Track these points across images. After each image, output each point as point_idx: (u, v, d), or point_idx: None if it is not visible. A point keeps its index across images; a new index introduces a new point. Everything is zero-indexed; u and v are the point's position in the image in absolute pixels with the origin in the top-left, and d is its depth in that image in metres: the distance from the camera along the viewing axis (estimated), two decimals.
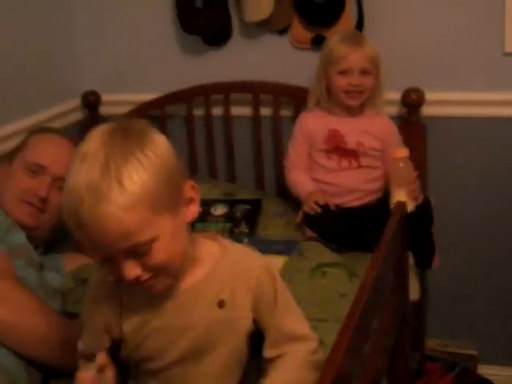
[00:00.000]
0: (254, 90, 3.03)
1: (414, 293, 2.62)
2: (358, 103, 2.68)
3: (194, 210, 1.43)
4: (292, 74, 2.94)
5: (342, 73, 2.65)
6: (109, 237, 1.29)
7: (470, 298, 3.03)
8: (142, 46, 3.24)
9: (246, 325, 1.51)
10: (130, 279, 1.35)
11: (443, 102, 2.85)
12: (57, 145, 2.39)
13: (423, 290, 2.90)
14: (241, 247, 1.60)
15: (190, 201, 1.43)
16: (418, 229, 2.46)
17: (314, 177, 2.74)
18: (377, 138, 2.68)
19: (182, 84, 3.12)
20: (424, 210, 2.54)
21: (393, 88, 2.80)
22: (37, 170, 2.29)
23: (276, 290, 1.53)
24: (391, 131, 2.72)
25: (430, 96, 2.81)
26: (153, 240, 1.33)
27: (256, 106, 3.04)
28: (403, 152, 2.51)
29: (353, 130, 2.68)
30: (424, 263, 2.64)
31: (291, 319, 1.56)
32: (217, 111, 3.13)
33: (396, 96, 2.82)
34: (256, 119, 3.07)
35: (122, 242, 1.30)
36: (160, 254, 1.35)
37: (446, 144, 2.89)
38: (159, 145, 1.38)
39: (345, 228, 2.58)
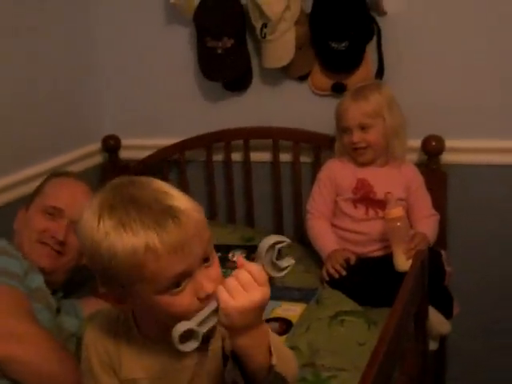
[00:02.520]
0: (274, 136, 3.04)
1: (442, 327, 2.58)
2: (367, 159, 2.68)
3: None
4: (312, 120, 2.95)
5: (344, 131, 2.69)
6: (201, 243, 1.33)
7: (491, 347, 2.98)
8: (162, 91, 3.26)
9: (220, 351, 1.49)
10: (211, 291, 1.32)
11: (464, 150, 2.83)
12: (73, 188, 2.40)
13: (444, 339, 2.86)
14: None
15: None
16: (432, 284, 2.43)
17: (339, 225, 2.72)
18: (403, 187, 2.67)
19: (202, 129, 3.13)
20: (433, 265, 2.48)
21: (413, 135, 2.79)
22: (54, 213, 2.30)
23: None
24: (415, 178, 2.71)
25: (450, 143, 2.80)
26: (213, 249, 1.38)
27: (275, 151, 3.05)
28: (399, 211, 2.51)
29: (381, 180, 2.67)
30: (443, 314, 2.60)
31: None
32: (236, 156, 3.14)
33: (416, 143, 2.81)
34: (275, 165, 3.07)
35: (207, 245, 1.35)
36: (217, 265, 1.39)
37: (467, 191, 2.87)
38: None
39: (366, 284, 2.54)
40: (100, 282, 1.40)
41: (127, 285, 1.34)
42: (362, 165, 2.71)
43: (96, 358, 1.49)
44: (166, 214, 1.30)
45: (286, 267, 1.37)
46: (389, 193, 2.60)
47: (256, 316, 1.30)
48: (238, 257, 1.39)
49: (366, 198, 2.67)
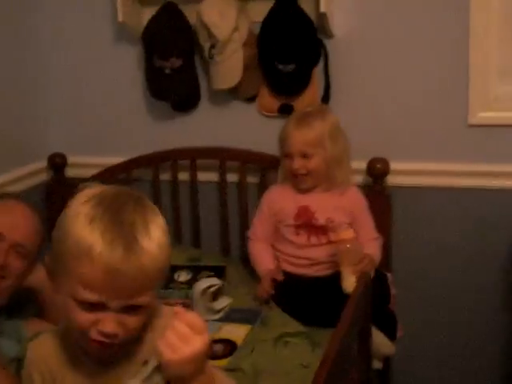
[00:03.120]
0: (221, 157, 3.05)
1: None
2: (306, 186, 2.68)
3: None
4: (259, 141, 2.96)
5: (286, 156, 2.69)
6: (132, 289, 1.32)
7: (435, 366, 3.03)
8: (110, 110, 3.25)
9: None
10: (110, 332, 1.33)
11: (408, 172, 2.88)
12: (14, 211, 2.35)
13: (388, 359, 2.88)
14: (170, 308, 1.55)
15: None
16: (377, 307, 2.44)
17: (282, 250, 2.73)
18: (347, 212, 2.68)
19: (149, 148, 3.13)
20: (379, 287, 2.53)
21: (358, 157, 2.83)
22: None
23: None
24: (359, 203, 2.71)
25: (395, 166, 2.84)
26: (146, 306, 1.36)
27: (223, 172, 3.05)
28: (350, 233, 2.53)
29: (323, 206, 2.67)
30: (387, 336, 2.62)
31: None
32: (183, 176, 3.14)
33: (361, 165, 2.84)
34: (222, 185, 3.07)
35: (137, 297, 1.33)
36: (140, 321, 1.38)
37: (411, 213, 2.91)
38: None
39: (311, 304, 2.55)
40: (50, 245, 1.41)
41: (61, 268, 1.35)
42: (304, 191, 2.72)
43: (39, 377, 1.47)
44: (125, 240, 1.30)
45: (222, 308, 1.38)
46: (329, 219, 2.62)
47: (200, 363, 1.30)
48: (176, 307, 1.38)
49: (307, 224, 2.67)
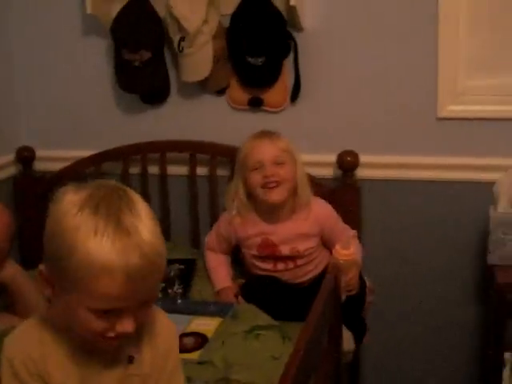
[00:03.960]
0: (191, 150, 3.04)
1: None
2: (278, 198, 2.60)
3: None
4: (229, 134, 2.96)
5: (256, 168, 2.61)
6: (148, 284, 1.34)
7: (403, 364, 3.06)
8: (79, 103, 3.22)
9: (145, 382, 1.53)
10: (130, 331, 1.36)
11: (378, 165, 2.90)
12: None
13: (358, 351, 2.89)
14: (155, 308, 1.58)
15: None
16: (349, 312, 2.46)
17: (250, 271, 2.75)
18: (313, 235, 2.66)
19: (118, 142, 3.11)
20: (358, 297, 2.53)
21: (328, 150, 2.84)
22: None
23: (176, 357, 1.59)
24: (327, 216, 2.69)
25: (364, 159, 2.85)
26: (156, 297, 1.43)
27: (193, 165, 3.05)
28: (347, 254, 2.32)
29: (286, 236, 2.64)
30: (355, 339, 2.63)
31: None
32: (153, 170, 3.12)
33: (331, 158, 2.85)
34: (192, 178, 3.07)
35: (153, 291, 1.39)
36: (149, 312, 1.43)
37: (380, 206, 2.93)
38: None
39: (280, 297, 2.57)
40: (45, 257, 1.38)
41: (68, 283, 1.33)
42: (270, 219, 2.67)
43: (24, 370, 1.42)
44: (137, 247, 1.30)
45: None
46: (294, 248, 2.63)
47: None
48: None
49: (272, 256, 2.67)
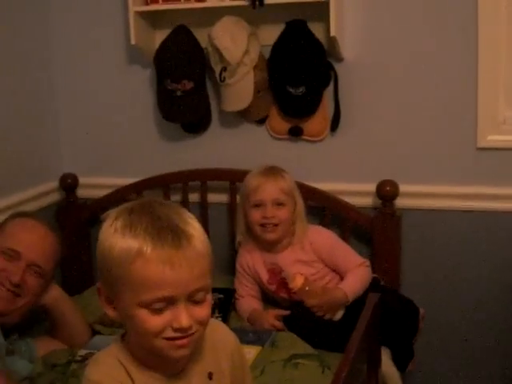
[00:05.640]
0: (231, 178, 3.06)
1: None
2: (275, 237, 2.69)
3: None
4: (269, 163, 2.93)
5: (257, 206, 2.68)
6: (195, 270, 1.37)
7: None
8: (121, 131, 3.28)
9: None
10: (185, 326, 1.36)
11: (417, 195, 2.89)
12: (33, 231, 2.39)
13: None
14: (210, 319, 1.58)
15: None
16: (402, 338, 2.52)
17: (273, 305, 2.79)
18: (312, 261, 2.71)
19: (160, 170, 3.15)
20: (409, 321, 2.59)
21: (368, 180, 2.85)
22: (12, 255, 2.30)
23: (244, 355, 1.66)
24: (323, 244, 2.73)
25: (404, 188, 2.85)
26: (208, 290, 1.42)
27: (232, 193, 3.07)
28: (299, 280, 2.60)
29: (287, 263, 2.70)
30: (399, 365, 2.63)
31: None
32: (194, 197, 3.15)
33: (371, 188, 2.86)
34: (232, 207, 3.08)
35: (199, 280, 1.38)
36: (207, 308, 1.42)
37: (420, 235, 2.92)
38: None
39: (320, 327, 2.57)
40: (99, 273, 1.44)
41: (115, 286, 1.38)
42: (269, 249, 2.74)
43: None
44: (170, 230, 1.36)
45: None
46: (299, 273, 2.65)
47: None
48: None
49: (283, 286, 2.71)
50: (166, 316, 1.37)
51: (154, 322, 1.36)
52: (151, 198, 1.49)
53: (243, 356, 1.65)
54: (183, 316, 1.36)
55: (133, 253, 1.34)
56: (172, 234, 1.36)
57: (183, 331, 1.37)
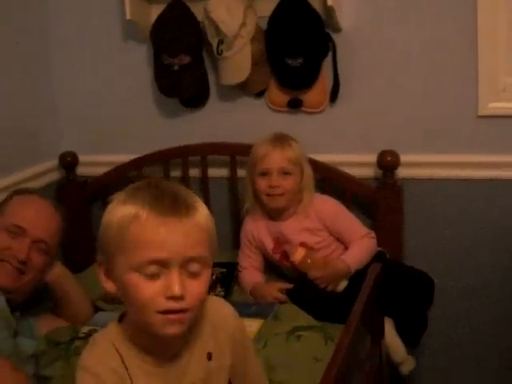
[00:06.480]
0: (231, 152, 3.05)
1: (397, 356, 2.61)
2: (280, 206, 2.70)
3: None
4: (268, 135, 2.95)
5: (263, 174, 2.68)
6: (191, 238, 1.36)
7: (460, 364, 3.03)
8: (119, 108, 3.26)
9: (229, 372, 1.56)
10: (177, 294, 1.34)
11: (418, 164, 2.87)
12: (38, 207, 2.38)
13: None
14: (210, 297, 1.59)
15: None
16: (416, 310, 2.53)
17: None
18: (318, 230, 2.70)
19: (159, 145, 3.13)
20: (425, 292, 2.60)
21: (368, 150, 2.83)
22: (17, 231, 2.28)
23: (245, 332, 1.64)
24: (328, 213, 2.72)
25: (405, 158, 2.83)
26: (207, 264, 1.41)
27: (233, 167, 3.06)
28: (301, 252, 2.62)
29: (292, 231, 2.70)
30: (413, 339, 2.65)
31: (256, 363, 1.67)
32: (194, 172, 3.14)
33: (371, 158, 2.84)
34: (233, 180, 3.08)
35: (194, 248, 1.37)
36: (203, 284, 1.40)
37: (422, 205, 2.91)
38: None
39: (322, 299, 2.57)
40: (99, 251, 1.44)
41: (111, 254, 1.38)
42: (274, 218, 2.74)
43: (110, 382, 1.41)
44: (171, 197, 1.38)
45: None
46: (302, 244, 2.66)
47: None
48: None
49: (286, 258, 2.70)
50: (159, 284, 1.35)
51: (146, 289, 1.35)
52: (159, 178, 1.49)
53: (244, 333, 1.63)
54: (175, 283, 1.34)
55: (130, 217, 1.35)
56: (171, 200, 1.37)
57: (176, 301, 1.35)
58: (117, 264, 1.38)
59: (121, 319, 1.49)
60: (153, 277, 1.35)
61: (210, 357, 1.51)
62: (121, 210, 1.37)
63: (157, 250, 1.34)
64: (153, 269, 1.34)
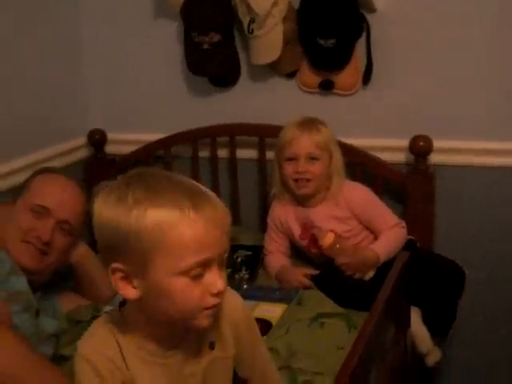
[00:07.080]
0: (261, 133, 3.00)
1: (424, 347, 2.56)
2: (309, 192, 2.64)
3: None
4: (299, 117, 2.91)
5: (290, 159, 2.63)
6: (225, 234, 1.35)
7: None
8: (149, 86, 3.23)
9: (232, 362, 1.54)
10: (222, 289, 1.35)
11: (452, 150, 2.81)
12: (63, 187, 2.33)
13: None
14: None
15: None
16: (447, 300, 2.50)
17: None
18: (346, 218, 2.65)
19: (188, 125, 3.10)
20: (456, 282, 2.56)
21: (401, 135, 2.77)
22: (41, 211, 2.24)
23: (253, 323, 1.60)
24: (358, 201, 2.66)
25: (438, 144, 2.76)
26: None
27: (262, 149, 3.01)
28: (330, 237, 2.56)
29: (321, 218, 2.66)
30: (442, 330, 2.61)
31: (264, 351, 1.63)
32: (222, 153, 3.11)
33: (404, 143, 2.78)
34: (262, 162, 3.04)
35: (228, 239, 1.36)
36: (225, 271, 1.39)
37: (454, 193, 2.84)
38: None
39: (347, 286, 2.53)
40: (111, 256, 1.35)
41: (149, 258, 1.30)
42: (303, 203, 2.70)
43: (106, 371, 1.40)
44: (200, 193, 1.33)
45: None
46: (332, 230, 2.61)
47: None
48: None
49: (314, 242, 2.65)
50: (203, 282, 1.33)
51: (194, 291, 1.32)
52: (136, 171, 1.39)
53: (252, 323, 1.59)
54: (219, 279, 1.34)
55: (173, 218, 1.28)
56: (204, 197, 1.33)
57: (219, 296, 1.35)
58: (152, 269, 1.31)
59: (121, 305, 1.45)
60: (198, 277, 1.32)
61: (212, 346, 1.48)
62: (154, 211, 1.28)
63: (204, 252, 1.31)
64: (199, 270, 1.32)
